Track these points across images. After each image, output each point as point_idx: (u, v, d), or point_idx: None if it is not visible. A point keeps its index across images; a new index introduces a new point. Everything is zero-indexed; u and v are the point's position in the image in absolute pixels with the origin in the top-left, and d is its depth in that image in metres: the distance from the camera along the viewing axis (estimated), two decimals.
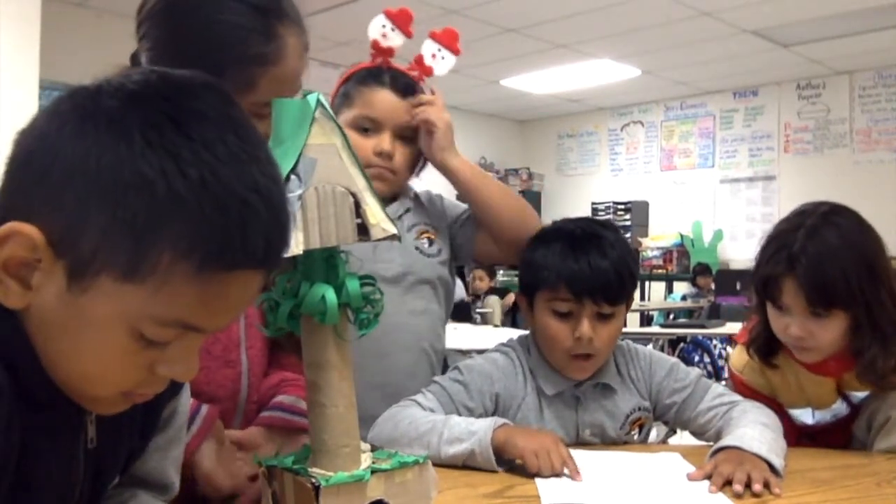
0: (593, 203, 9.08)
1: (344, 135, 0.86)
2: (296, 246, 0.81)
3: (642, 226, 8.95)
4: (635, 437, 1.55)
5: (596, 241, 1.45)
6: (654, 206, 9.05)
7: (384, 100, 1.56)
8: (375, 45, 1.60)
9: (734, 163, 8.58)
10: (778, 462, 1.28)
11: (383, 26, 1.59)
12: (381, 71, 1.59)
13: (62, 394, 0.71)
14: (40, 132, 0.66)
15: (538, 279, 1.47)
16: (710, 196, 8.70)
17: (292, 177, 0.82)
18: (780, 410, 1.59)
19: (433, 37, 1.63)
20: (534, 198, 9.79)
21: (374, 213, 0.86)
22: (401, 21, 1.60)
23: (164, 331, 0.66)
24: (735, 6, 5.84)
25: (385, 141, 1.55)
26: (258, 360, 1.28)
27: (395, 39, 1.60)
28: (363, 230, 0.85)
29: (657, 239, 8.71)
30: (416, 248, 1.63)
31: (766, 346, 1.55)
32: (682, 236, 8.53)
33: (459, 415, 1.40)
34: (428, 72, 1.62)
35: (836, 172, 7.59)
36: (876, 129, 7.65)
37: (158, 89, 0.66)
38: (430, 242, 1.66)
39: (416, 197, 1.70)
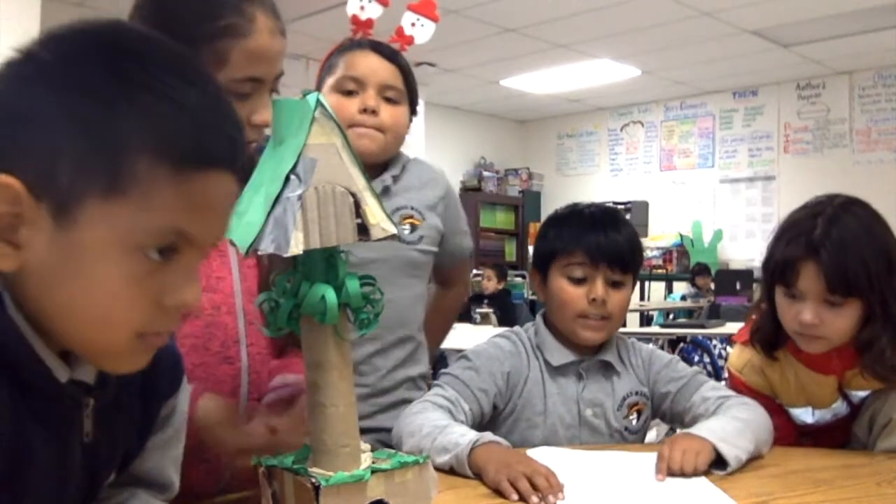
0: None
1: (344, 135, 0.86)
2: (296, 246, 0.81)
3: (642, 226, 8.92)
4: (633, 421, 1.58)
5: (610, 218, 1.57)
6: (653, 206, 9.04)
7: (366, 59, 1.58)
8: (355, 20, 1.64)
9: (734, 163, 8.58)
10: (727, 449, 1.30)
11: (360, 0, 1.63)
12: (361, 39, 1.63)
13: (57, 382, 0.71)
14: None
15: (555, 249, 1.56)
16: (709, 196, 8.70)
17: (292, 177, 0.82)
18: (779, 410, 1.59)
19: (411, 8, 1.69)
20: (534, 198, 9.79)
21: (374, 213, 0.85)
22: None
23: (160, 240, 0.67)
24: (735, 6, 5.83)
25: (369, 97, 1.56)
26: (261, 358, 1.28)
27: (372, 11, 1.64)
28: (363, 230, 0.85)
29: (657, 239, 8.70)
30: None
31: (770, 337, 1.54)
32: (681, 236, 8.53)
33: (476, 399, 1.46)
34: (409, 41, 1.67)
35: (835, 172, 7.58)
36: (876, 129, 7.65)
37: (98, 30, 0.70)
38: (413, 228, 1.65)
39: (406, 172, 1.67)
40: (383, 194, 1.59)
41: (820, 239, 1.40)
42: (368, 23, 1.64)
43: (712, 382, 1.57)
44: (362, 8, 1.64)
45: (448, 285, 1.87)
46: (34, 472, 0.72)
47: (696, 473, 1.26)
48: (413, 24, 1.67)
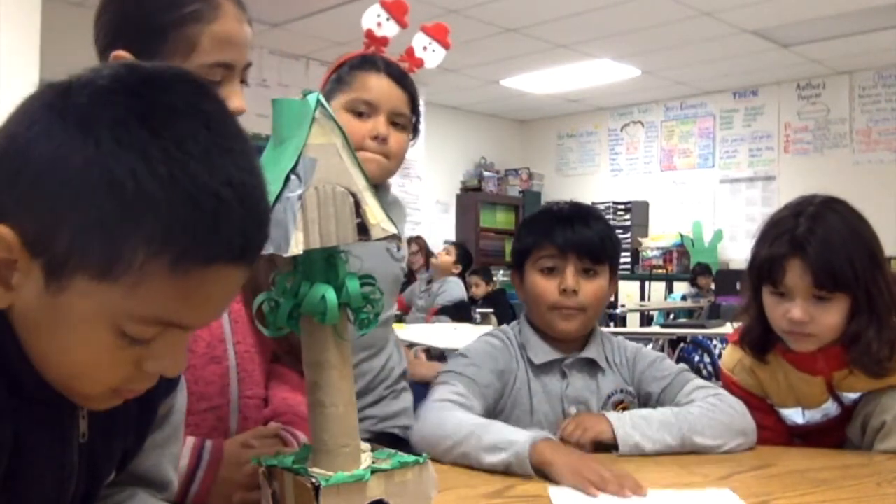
0: (593, 203, 9.03)
1: (344, 134, 0.86)
2: (296, 246, 0.81)
3: (642, 226, 8.94)
4: None
5: (579, 214, 1.59)
6: (654, 206, 9.04)
7: (380, 84, 1.59)
8: (369, 35, 1.64)
9: (734, 163, 8.58)
10: (622, 434, 1.38)
11: (378, 16, 1.63)
12: (375, 58, 1.62)
13: (53, 388, 0.71)
14: (11, 132, 0.66)
15: (528, 246, 1.59)
16: (710, 196, 8.70)
17: (292, 177, 0.82)
18: (771, 410, 1.59)
19: (424, 30, 1.68)
20: (534, 198, 9.78)
21: (374, 213, 0.85)
22: (396, 11, 1.64)
23: (144, 329, 0.66)
24: (735, 6, 5.83)
25: (381, 124, 1.57)
26: (250, 356, 1.28)
27: (389, 29, 1.64)
28: (363, 230, 0.85)
29: (657, 239, 8.70)
30: (387, 250, 1.66)
31: (759, 340, 1.55)
32: (682, 236, 8.52)
33: (483, 395, 1.47)
34: (419, 63, 1.67)
35: (836, 172, 7.58)
36: (876, 129, 7.65)
37: (127, 84, 0.66)
38: (398, 247, 1.71)
39: (394, 198, 1.75)
40: None
41: (804, 235, 1.42)
42: (383, 40, 1.64)
43: (696, 381, 1.56)
44: (379, 25, 1.63)
45: None
46: (33, 473, 0.72)
47: (580, 447, 1.38)
48: (425, 48, 1.67)
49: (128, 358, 0.68)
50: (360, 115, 1.58)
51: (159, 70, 0.69)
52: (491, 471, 1.26)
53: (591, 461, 1.22)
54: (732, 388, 1.60)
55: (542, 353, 1.57)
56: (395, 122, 1.60)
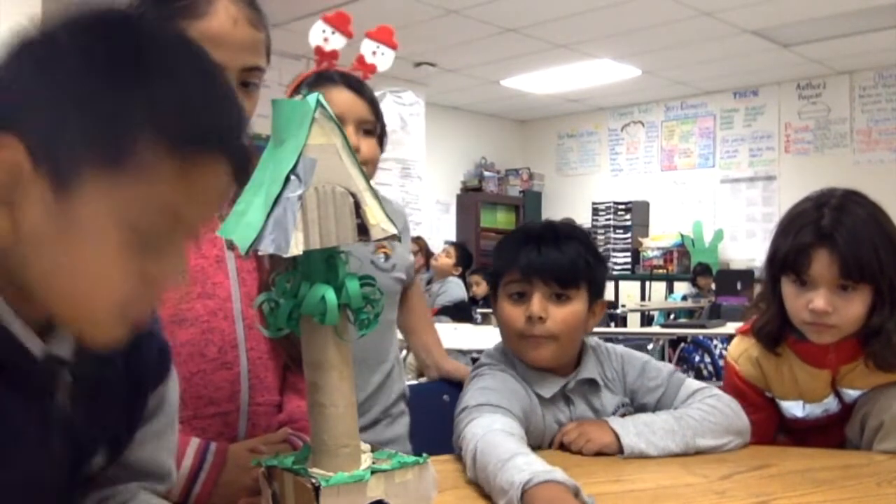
0: (593, 203, 9.08)
1: (344, 135, 0.86)
2: (296, 246, 0.81)
3: (642, 226, 8.94)
4: None
5: (551, 235, 1.48)
6: (654, 206, 9.05)
7: (341, 96, 1.60)
8: (319, 52, 1.67)
9: (734, 163, 8.58)
10: (628, 441, 1.38)
11: (323, 31, 1.67)
12: (330, 72, 1.65)
13: (27, 352, 0.72)
14: None
15: (497, 270, 1.51)
16: (710, 196, 8.70)
17: (292, 177, 0.82)
18: (765, 406, 1.60)
19: (369, 36, 1.72)
20: (534, 198, 9.79)
21: (374, 213, 0.85)
22: (339, 24, 1.67)
23: (153, 219, 0.69)
24: (735, 6, 5.84)
25: (351, 135, 1.58)
26: (263, 362, 1.27)
27: (336, 42, 1.67)
28: (363, 230, 0.85)
29: (657, 239, 8.70)
30: (372, 262, 1.68)
31: (776, 333, 1.55)
32: (682, 236, 8.53)
33: (520, 424, 1.35)
34: (371, 69, 1.70)
35: (836, 172, 7.57)
36: (876, 129, 7.65)
37: (109, 10, 0.72)
38: (386, 258, 1.72)
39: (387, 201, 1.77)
40: None
41: (832, 225, 1.42)
42: (333, 54, 1.67)
43: (689, 383, 1.53)
44: (326, 40, 1.66)
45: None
46: (13, 443, 0.72)
47: (582, 454, 1.38)
48: (374, 53, 1.70)
49: (134, 265, 0.69)
50: None
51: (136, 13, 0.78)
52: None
53: None
54: (734, 377, 1.61)
55: (548, 384, 1.48)
56: (364, 129, 1.62)
